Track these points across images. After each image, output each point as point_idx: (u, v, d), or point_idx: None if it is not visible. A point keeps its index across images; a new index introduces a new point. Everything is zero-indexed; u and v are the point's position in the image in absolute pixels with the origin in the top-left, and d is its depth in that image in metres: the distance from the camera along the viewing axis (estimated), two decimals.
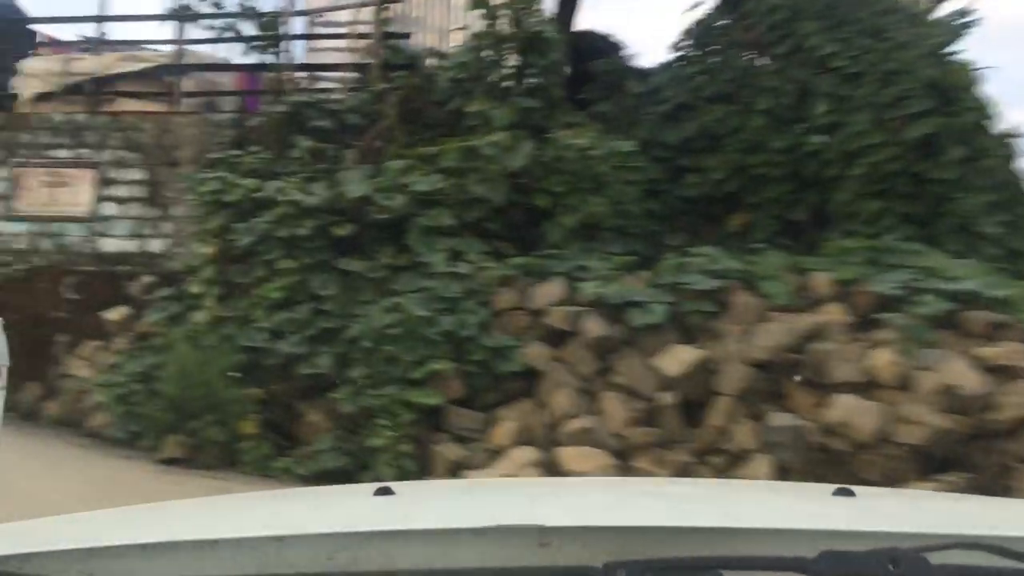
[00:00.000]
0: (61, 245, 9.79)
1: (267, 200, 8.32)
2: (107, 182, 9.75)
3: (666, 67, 10.29)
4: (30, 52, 11.23)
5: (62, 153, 9.86)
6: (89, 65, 10.59)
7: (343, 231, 8.10)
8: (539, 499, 1.61)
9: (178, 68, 10.71)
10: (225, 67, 11.23)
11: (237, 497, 2.11)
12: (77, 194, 9.73)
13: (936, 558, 0.98)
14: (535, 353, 7.07)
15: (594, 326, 6.93)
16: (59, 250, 9.78)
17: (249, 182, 8.50)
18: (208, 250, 8.41)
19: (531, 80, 9.28)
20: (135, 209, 9.69)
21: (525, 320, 7.32)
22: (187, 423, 7.40)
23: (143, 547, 1.12)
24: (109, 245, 9.69)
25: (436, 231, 8.00)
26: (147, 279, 9.18)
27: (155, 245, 9.61)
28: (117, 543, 1.14)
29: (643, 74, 10.42)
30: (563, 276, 7.43)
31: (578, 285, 7.29)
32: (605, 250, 8.06)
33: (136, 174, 9.71)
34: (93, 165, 9.75)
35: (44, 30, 12.02)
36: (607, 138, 8.68)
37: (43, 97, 10.38)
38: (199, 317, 8.18)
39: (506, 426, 6.79)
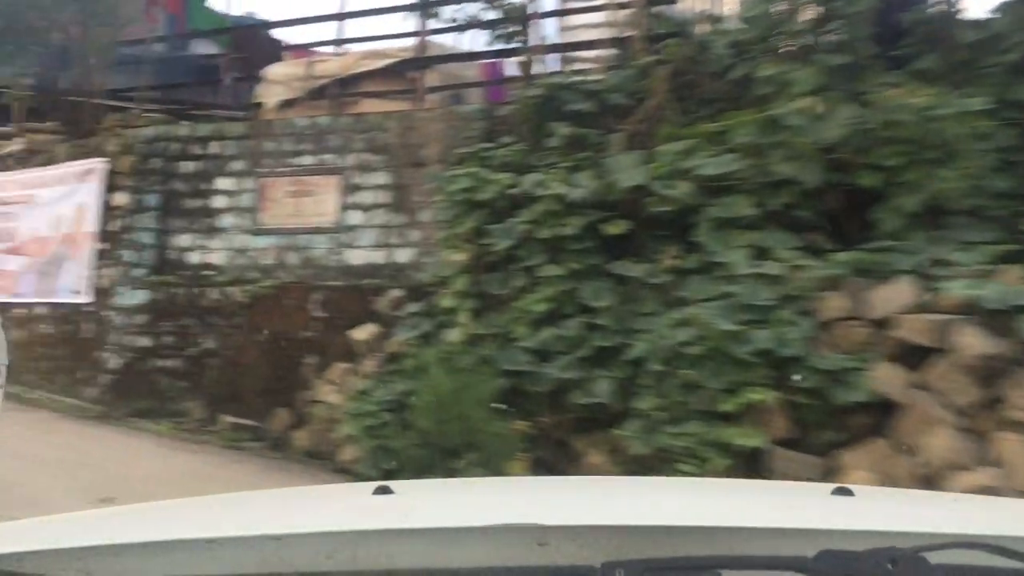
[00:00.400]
0: (307, 259, 9.14)
1: (525, 196, 7.14)
2: (352, 188, 8.97)
3: (1008, 7, 8.13)
4: (276, 59, 10.85)
5: (306, 160, 9.20)
6: (332, 67, 9.99)
7: (616, 229, 6.77)
8: (538, 499, 1.60)
9: (421, 62, 9.85)
10: (471, 56, 10.26)
11: (237, 496, 1.86)
12: (322, 203, 9.02)
13: (935, 558, 0.96)
14: (886, 377, 5.29)
15: (973, 340, 5.07)
16: (305, 264, 9.12)
17: (503, 177, 7.34)
18: (460, 257, 7.33)
19: (835, 34, 7.52)
20: (381, 216, 8.83)
21: (863, 333, 5.57)
22: (446, 461, 6.26)
23: (142, 546, 1.10)
24: (355, 257, 8.91)
25: (732, 223, 6.44)
26: (395, 293, 8.26)
27: (403, 255, 8.71)
28: (116, 542, 1.11)
29: (973, 21, 8.32)
30: (911, 274, 5.63)
31: (938, 285, 5.46)
32: (960, 239, 6.15)
33: (381, 178, 8.86)
34: (337, 171, 9.01)
35: (287, 35, 11.68)
36: (952, 95, 6.72)
37: (288, 103, 9.87)
38: (453, 336, 7.10)
39: (856, 476, 5.07)
